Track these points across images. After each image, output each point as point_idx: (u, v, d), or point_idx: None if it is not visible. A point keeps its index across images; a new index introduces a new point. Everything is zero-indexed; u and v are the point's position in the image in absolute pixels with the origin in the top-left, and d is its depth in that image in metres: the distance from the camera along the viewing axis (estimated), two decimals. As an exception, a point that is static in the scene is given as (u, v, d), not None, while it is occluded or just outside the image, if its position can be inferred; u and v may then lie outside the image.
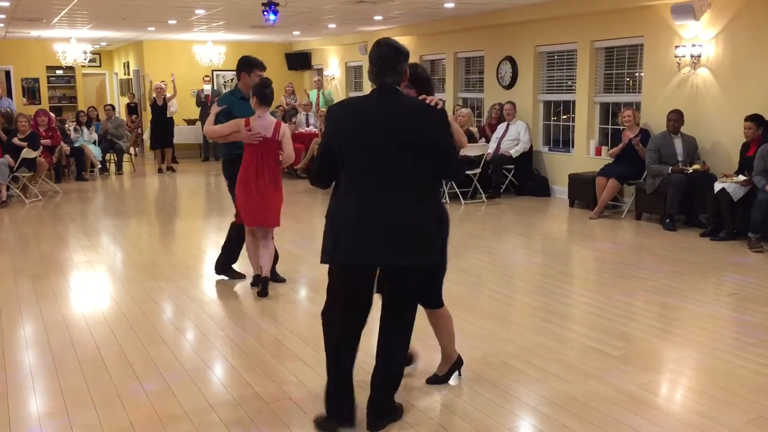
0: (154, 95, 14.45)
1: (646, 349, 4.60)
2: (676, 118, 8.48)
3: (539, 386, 3.99)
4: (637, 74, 9.67)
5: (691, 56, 8.56)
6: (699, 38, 8.53)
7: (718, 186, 7.65)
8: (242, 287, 6.17)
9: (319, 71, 17.57)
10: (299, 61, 17.86)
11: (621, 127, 9.30)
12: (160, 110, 14.38)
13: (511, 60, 11.44)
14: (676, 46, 8.74)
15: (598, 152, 10.07)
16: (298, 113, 14.71)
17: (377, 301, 3.47)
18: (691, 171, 8.20)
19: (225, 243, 6.41)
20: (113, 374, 4.22)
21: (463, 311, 5.34)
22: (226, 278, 6.37)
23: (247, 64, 6.01)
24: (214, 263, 6.48)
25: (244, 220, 5.93)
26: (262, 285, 5.84)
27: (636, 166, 8.86)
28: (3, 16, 12.03)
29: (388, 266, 3.34)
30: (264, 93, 5.66)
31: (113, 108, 15.08)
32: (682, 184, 8.13)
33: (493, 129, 11.25)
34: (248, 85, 5.92)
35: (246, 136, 5.63)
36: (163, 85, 14.55)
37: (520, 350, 4.54)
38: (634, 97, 9.64)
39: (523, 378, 4.10)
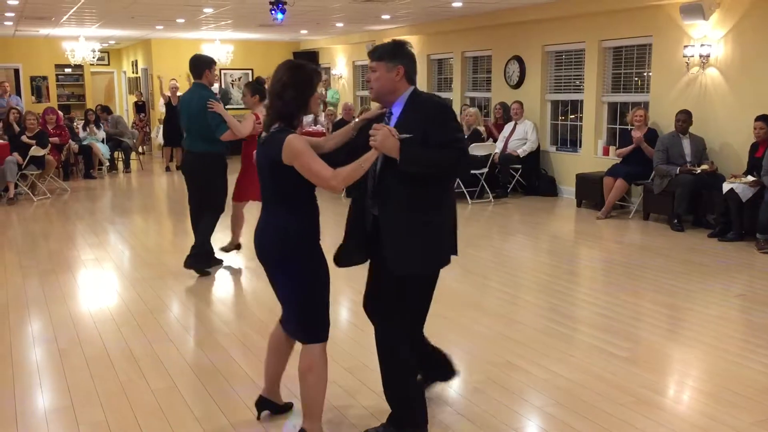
0: (168, 93, 14.44)
1: (653, 350, 4.58)
2: (684, 118, 8.44)
3: (545, 386, 3.98)
4: (645, 74, 9.63)
5: (700, 56, 8.53)
6: (708, 38, 8.49)
7: (726, 186, 7.61)
8: (249, 285, 6.18)
9: (327, 70, 17.58)
10: (307, 60, 17.80)
11: (629, 127, 9.27)
12: (173, 109, 14.40)
13: (519, 59, 11.41)
14: (685, 46, 8.70)
15: (606, 152, 10.03)
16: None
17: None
18: (699, 171, 8.16)
19: (206, 234, 6.48)
20: (119, 371, 4.23)
21: (469, 311, 5.34)
22: (209, 271, 6.52)
23: (210, 62, 6.38)
24: (193, 262, 6.48)
25: (242, 196, 6.62)
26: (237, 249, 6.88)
27: (644, 166, 8.83)
28: (12, 15, 12.08)
29: None
30: (264, 90, 6.35)
31: (105, 110, 14.94)
32: (691, 185, 8.09)
33: (500, 129, 11.23)
34: (211, 81, 6.37)
35: (258, 129, 6.13)
36: (177, 84, 14.56)
37: (526, 350, 4.53)
38: (643, 97, 9.60)
39: (529, 378, 4.09)
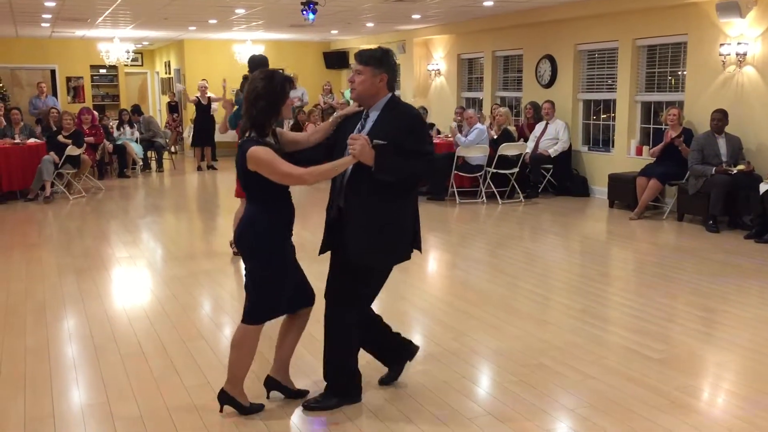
0: (197, 95, 14.59)
1: (688, 353, 4.52)
2: (720, 117, 8.30)
3: (578, 388, 3.94)
4: (680, 73, 9.50)
5: (737, 54, 8.38)
6: (745, 36, 8.35)
7: (763, 187, 7.48)
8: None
9: (357, 70, 17.60)
10: (337, 60, 17.92)
11: (663, 127, 9.14)
12: (203, 109, 14.53)
13: (551, 58, 11.33)
14: (721, 44, 8.56)
15: (639, 152, 9.91)
16: (336, 112, 14.77)
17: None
18: (735, 171, 8.03)
19: None
20: (154, 368, 4.29)
21: (500, 311, 5.31)
22: None
23: (268, 61, 6.79)
24: None
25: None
26: None
27: (678, 166, 8.70)
28: (49, 16, 12.30)
29: None
30: None
31: (135, 111, 15.00)
32: (726, 185, 7.96)
33: (531, 128, 11.16)
34: None
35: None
36: (206, 84, 14.70)
37: (558, 352, 4.50)
38: (677, 96, 9.47)
39: (561, 380, 4.06)
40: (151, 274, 6.65)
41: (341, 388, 3.72)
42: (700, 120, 8.88)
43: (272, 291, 3.53)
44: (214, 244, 8.03)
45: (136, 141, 14.07)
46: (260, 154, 3.34)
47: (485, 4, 10.45)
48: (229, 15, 12.08)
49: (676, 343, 4.67)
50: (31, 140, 11.28)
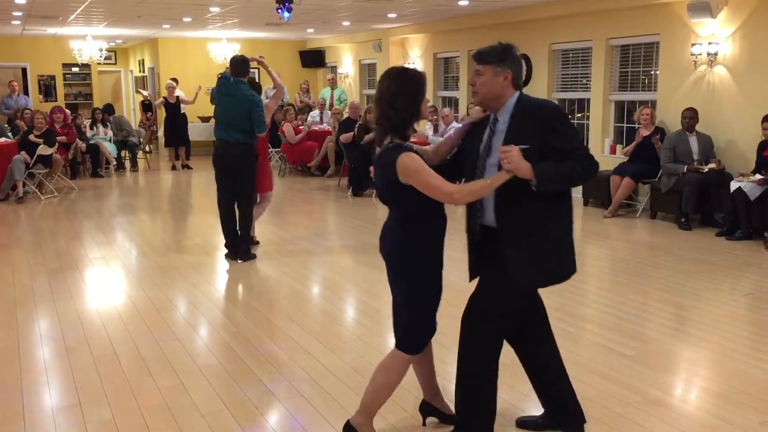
0: (165, 95, 14.46)
1: (661, 349, 4.57)
2: (690, 115, 8.41)
3: (552, 385, 3.96)
4: (652, 72, 9.60)
5: (708, 54, 8.49)
6: (716, 36, 8.46)
7: (734, 185, 7.58)
8: (256, 283, 6.18)
9: (333, 69, 17.59)
10: (313, 58, 17.88)
11: (636, 126, 9.24)
12: (172, 108, 14.40)
13: (526, 58, 11.38)
14: (693, 44, 8.67)
15: (613, 151, 10.01)
16: (311, 110, 14.75)
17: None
18: (706, 170, 8.13)
19: (251, 225, 6.99)
20: (126, 370, 4.24)
21: (476, 310, 5.33)
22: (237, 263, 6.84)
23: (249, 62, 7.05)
24: (240, 253, 6.87)
25: (266, 188, 7.28)
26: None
27: (651, 164, 8.80)
28: (20, 14, 12.12)
29: None
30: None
31: (106, 111, 14.79)
32: (698, 183, 8.06)
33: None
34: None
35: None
36: (174, 84, 14.57)
37: (533, 349, 4.51)
38: (650, 96, 9.57)
39: (535, 377, 4.08)
40: (125, 274, 6.58)
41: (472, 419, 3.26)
42: (672, 119, 8.99)
43: (429, 312, 3.22)
44: (188, 244, 7.96)
45: (110, 140, 13.91)
46: (409, 162, 2.96)
47: (460, 3, 10.49)
48: (203, 13, 11.99)
49: (649, 340, 4.72)
50: (2, 139, 11.11)
